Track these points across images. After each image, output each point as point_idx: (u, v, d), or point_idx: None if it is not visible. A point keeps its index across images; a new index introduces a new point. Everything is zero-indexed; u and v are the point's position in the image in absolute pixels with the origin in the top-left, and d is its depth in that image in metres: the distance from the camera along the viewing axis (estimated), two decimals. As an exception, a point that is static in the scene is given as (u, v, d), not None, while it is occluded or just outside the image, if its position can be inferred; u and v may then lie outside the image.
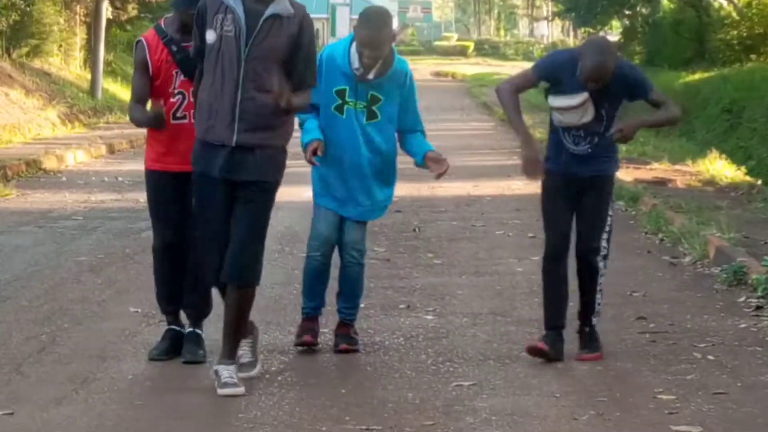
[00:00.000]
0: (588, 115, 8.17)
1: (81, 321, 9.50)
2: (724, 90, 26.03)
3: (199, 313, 8.37)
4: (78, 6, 38.15)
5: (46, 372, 8.05)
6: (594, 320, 8.51)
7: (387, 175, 8.26)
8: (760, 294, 10.15)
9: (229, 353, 7.56)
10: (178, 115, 8.08)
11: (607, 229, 8.45)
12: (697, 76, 29.84)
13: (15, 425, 6.89)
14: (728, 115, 24.74)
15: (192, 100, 7.92)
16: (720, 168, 19.38)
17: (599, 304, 8.52)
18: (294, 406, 7.28)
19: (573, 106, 8.20)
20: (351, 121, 7.99)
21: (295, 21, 7.40)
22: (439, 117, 29.53)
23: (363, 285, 8.61)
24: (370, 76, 7.91)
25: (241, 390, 7.40)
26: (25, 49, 33.58)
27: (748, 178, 18.93)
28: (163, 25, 8.19)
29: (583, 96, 8.15)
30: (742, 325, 9.36)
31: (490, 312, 9.90)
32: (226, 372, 7.45)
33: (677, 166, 19.46)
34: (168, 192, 8.19)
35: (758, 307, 9.87)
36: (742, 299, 10.23)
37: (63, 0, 36.20)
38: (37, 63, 34.20)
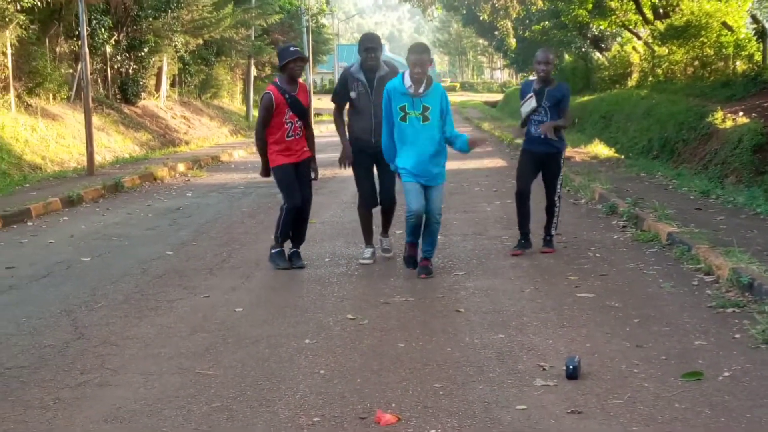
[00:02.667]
0: (532, 104, 8.28)
1: (244, 244, 9.52)
2: (601, 106, 25.85)
3: (300, 242, 8.38)
4: (237, 69, 38.28)
5: (226, 273, 8.09)
6: (553, 232, 8.59)
7: (441, 156, 7.60)
8: (624, 219, 10.07)
9: (384, 232, 8.55)
10: (290, 134, 8.04)
11: (559, 183, 8.51)
12: (586, 98, 29.53)
13: (210, 303, 6.93)
14: (604, 119, 24.53)
15: (297, 125, 8.04)
16: (600, 149, 19.22)
17: (556, 225, 8.64)
18: (365, 287, 7.28)
19: (524, 101, 8.38)
20: (412, 126, 7.41)
21: (388, 77, 7.91)
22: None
23: (437, 234, 7.75)
24: (420, 90, 7.35)
25: (391, 254, 8.44)
26: (209, 94, 33.74)
27: (615, 154, 18.76)
28: (278, 81, 8.10)
29: (529, 95, 8.34)
30: (615, 237, 9.28)
31: (473, 233, 9.84)
32: (386, 241, 8.51)
33: (576, 149, 19.27)
34: (290, 174, 8.11)
35: (623, 226, 9.78)
36: (614, 222, 10.14)
37: (229, 65, 36.34)
38: (215, 102, 34.33)
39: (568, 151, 18.21)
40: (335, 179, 15.76)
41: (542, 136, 8.27)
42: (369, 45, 7.92)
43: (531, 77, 8.86)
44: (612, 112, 24.25)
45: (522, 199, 8.49)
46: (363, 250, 8.44)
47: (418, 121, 7.42)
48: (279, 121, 8.02)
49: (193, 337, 5.94)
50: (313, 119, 33.79)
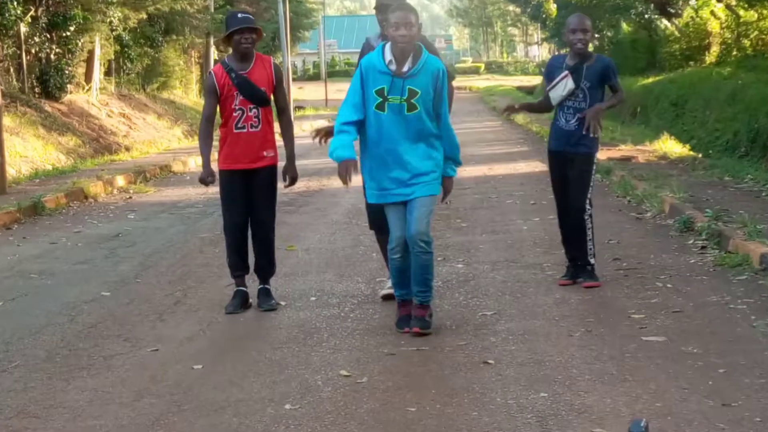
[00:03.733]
0: (569, 86, 8.26)
1: (204, 280, 9.53)
2: (670, 89, 25.88)
3: (266, 274, 8.38)
4: (193, 51, 38.37)
5: (181, 318, 8.09)
6: (591, 260, 8.51)
7: (430, 154, 7.07)
8: (704, 237, 10.07)
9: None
10: (239, 125, 8.02)
11: (589, 196, 8.42)
12: (650, 80, 29.59)
13: (159, 358, 6.93)
14: (674, 107, 24.58)
15: (251, 114, 8.00)
16: (670, 146, 19.27)
17: (591, 249, 8.51)
18: (363, 336, 7.28)
19: (557, 81, 8.32)
20: (392, 117, 6.92)
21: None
22: (460, 119, 29.39)
23: (433, 270, 7.27)
24: (404, 68, 6.89)
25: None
26: (155, 85, 33.85)
27: (691, 152, 18.79)
28: (227, 60, 8.16)
29: (564, 73, 8.30)
30: (692, 261, 9.29)
31: (505, 260, 9.85)
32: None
33: (638, 147, 19.33)
34: (231, 184, 8.12)
35: (703, 247, 9.79)
36: (690, 242, 10.15)
37: (182, 47, 36.38)
38: (165, 94, 34.44)
39: (628, 150, 18.35)
40: (322, 192, 15.80)
41: (584, 131, 8.23)
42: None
43: (563, 52, 8.87)
44: (685, 97, 24.30)
45: (562, 218, 8.61)
46: (387, 280, 8.35)
47: (400, 111, 6.96)
48: (228, 108, 8.04)
49: (137, 404, 5.93)
50: (293, 113, 33.88)
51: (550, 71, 8.54)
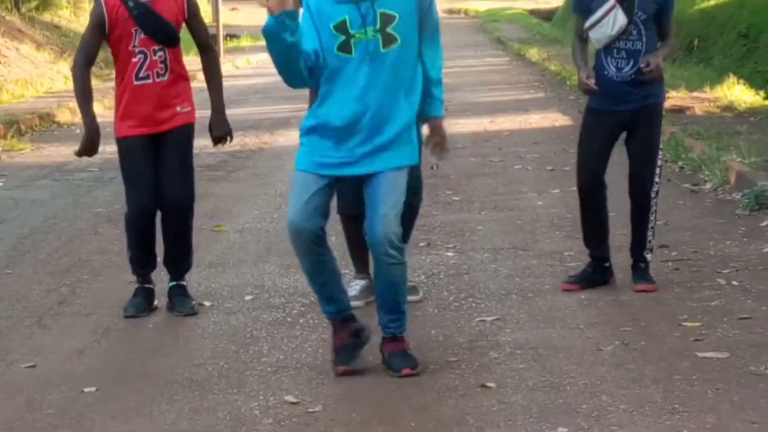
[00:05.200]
0: (619, 21, 8.13)
1: (100, 272, 9.54)
2: (740, 15, 25.92)
3: (180, 268, 8.40)
4: (86, -42, 38.17)
5: (67, 324, 8.09)
6: (648, 256, 8.49)
7: (407, 104, 6.74)
8: (783, 218, 10.16)
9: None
10: (141, 75, 7.99)
11: (659, 164, 8.43)
12: (712, 2, 29.67)
13: (38, 378, 6.93)
14: (745, 39, 24.63)
15: (156, 58, 7.96)
16: (738, 93, 19.29)
17: (651, 240, 8.49)
18: (317, 348, 7.29)
19: (602, 15, 8.18)
20: (362, 57, 6.59)
21: None
22: (454, 54, 29.36)
23: (403, 285, 6.90)
24: None
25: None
26: (34, 3, 33.61)
27: (767, 102, 18.85)
28: None
29: (609, 3, 8.16)
30: (766, 250, 9.35)
31: (511, 246, 9.90)
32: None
33: (695, 94, 19.37)
34: (137, 155, 8.14)
35: (781, 231, 9.88)
36: (764, 224, 10.23)
37: (71, -48, 36.22)
38: (46, 16, 34.22)
39: (681, 97, 18.42)
40: (263, 153, 15.77)
41: (645, 79, 8.21)
42: None
43: None
44: (760, 26, 24.34)
45: (591, 196, 8.45)
46: (350, 283, 8.36)
47: (374, 47, 6.65)
48: (123, 52, 8.01)
49: (7, 441, 5.95)
50: (222, 44, 33.78)
51: (586, 2, 8.41)
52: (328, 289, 6.87)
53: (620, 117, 8.32)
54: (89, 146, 8.14)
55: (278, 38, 6.38)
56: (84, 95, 8.17)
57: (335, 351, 6.85)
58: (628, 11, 8.15)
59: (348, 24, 6.58)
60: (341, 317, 6.88)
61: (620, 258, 8.66)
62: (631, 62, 8.20)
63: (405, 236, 7.13)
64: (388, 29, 6.61)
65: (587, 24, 8.29)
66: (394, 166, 6.69)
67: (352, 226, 8.05)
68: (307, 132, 6.79)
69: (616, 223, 8.74)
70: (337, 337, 6.87)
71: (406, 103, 6.77)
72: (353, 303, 7.73)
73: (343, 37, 6.60)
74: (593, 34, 8.30)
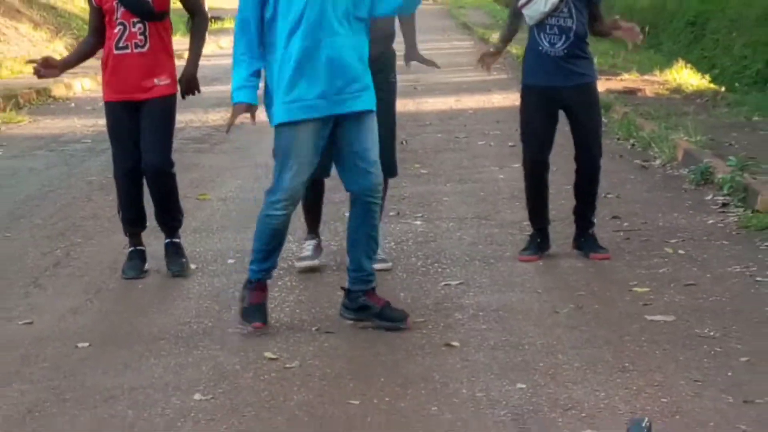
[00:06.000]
0: None
1: (93, 236, 9.51)
2: (688, 4, 25.96)
3: (171, 227, 8.37)
4: (81, -59, 37.97)
5: (62, 284, 8.07)
6: (594, 221, 8.53)
7: (363, 40, 6.70)
8: (725, 192, 10.14)
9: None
10: (120, 45, 7.95)
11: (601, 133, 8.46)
12: (662, -9, 29.71)
13: (34, 334, 6.93)
14: (692, 27, 24.68)
15: (135, 30, 7.91)
16: (686, 77, 19.34)
17: (596, 208, 8.56)
18: (294, 308, 7.29)
19: None
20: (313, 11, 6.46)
21: None
22: (424, 38, 28.96)
23: (378, 227, 7.01)
24: None
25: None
26: (31, -16, 33.40)
27: (712, 85, 18.88)
28: None
29: None
30: (710, 221, 9.37)
31: (475, 216, 9.90)
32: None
33: (646, 77, 19.39)
34: (119, 120, 8.14)
35: (724, 204, 9.88)
36: (709, 197, 10.24)
37: (66, -66, 35.99)
38: (42, -2, 34.03)
39: (633, 80, 18.42)
40: (245, 127, 15.66)
41: (576, 53, 8.19)
42: None
43: None
44: (706, 14, 24.39)
45: (536, 171, 8.44)
46: (303, 243, 8.40)
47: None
48: (108, 22, 7.99)
49: (5, 392, 5.92)
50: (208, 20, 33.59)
51: None
52: (276, 247, 6.94)
53: (553, 93, 8.26)
54: (40, 64, 8.23)
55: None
56: (77, 48, 8.33)
57: (252, 306, 6.83)
58: None
59: None
60: (268, 277, 6.95)
61: (559, 227, 8.74)
62: (563, 38, 8.15)
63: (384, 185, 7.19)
64: None
65: (522, 1, 8.26)
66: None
67: (313, 193, 7.99)
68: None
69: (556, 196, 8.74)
70: (256, 296, 6.87)
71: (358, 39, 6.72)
72: (308, 262, 7.92)
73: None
74: (527, 11, 8.23)
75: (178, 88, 8.19)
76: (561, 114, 8.37)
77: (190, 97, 8.28)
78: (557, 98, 8.27)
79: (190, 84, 8.19)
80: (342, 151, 6.75)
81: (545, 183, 8.44)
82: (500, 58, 9.14)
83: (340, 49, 6.58)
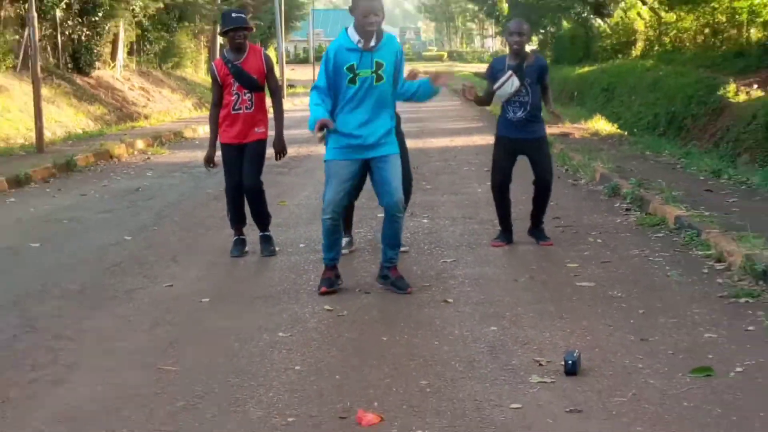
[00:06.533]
0: (515, 84, 8.09)
1: (210, 228, 9.51)
2: (602, 78, 25.91)
3: (263, 225, 8.34)
4: (202, 36, 38.08)
5: (190, 261, 8.08)
6: (544, 220, 8.51)
7: (390, 119, 6.72)
8: (628, 201, 10.12)
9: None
10: (236, 107, 7.97)
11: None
12: (586, 69, 29.54)
13: (173, 293, 6.95)
14: (605, 92, 24.61)
15: (245, 97, 7.94)
16: (601, 125, 19.28)
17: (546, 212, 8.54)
18: (344, 276, 7.13)
19: (504, 80, 8.13)
20: (362, 87, 6.55)
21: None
22: (425, 102, 29.22)
23: (401, 233, 6.93)
24: (372, 43, 6.52)
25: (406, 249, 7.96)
26: (170, 64, 33.54)
27: (618, 130, 18.82)
28: (225, 52, 8.09)
29: (508, 73, 8.12)
30: (618, 220, 9.33)
31: (462, 216, 9.87)
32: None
33: (575, 125, 19.30)
34: (229, 153, 8.09)
35: (627, 209, 9.84)
36: (617, 204, 10.20)
37: (193, 32, 36.12)
38: (178, 72, 34.13)
39: (567, 127, 18.36)
40: (311, 157, 15.74)
41: (531, 118, 8.16)
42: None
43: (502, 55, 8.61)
44: (614, 84, 24.34)
45: (502, 191, 8.42)
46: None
47: (370, 81, 6.58)
48: (226, 93, 8.00)
49: (154, 331, 5.94)
50: (285, 92, 33.70)
51: (493, 72, 8.29)
52: (337, 241, 6.89)
53: (515, 143, 8.24)
54: (208, 160, 8.17)
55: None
56: (213, 126, 8.16)
57: (323, 280, 6.87)
58: (521, 78, 8.10)
59: (356, 66, 6.56)
60: (335, 263, 6.92)
61: (520, 224, 8.65)
62: (523, 109, 8.14)
63: (405, 202, 7.09)
64: (379, 71, 6.61)
65: (495, 86, 8.22)
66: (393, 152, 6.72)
67: (345, 211, 7.80)
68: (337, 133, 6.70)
69: (516, 203, 8.71)
70: (326, 273, 6.89)
71: (387, 115, 6.74)
72: (343, 251, 7.79)
73: (351, 75, 6.58)
74: (499, 92, 8.20)
75: (269, 137, 8.17)
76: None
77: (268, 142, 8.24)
78: (519, 147, 8.27)
79: (279, 147, 8.15)
80: (376, 180, 6.74)
81: (507, 198, 8.42)
82: (478, 114, 9.07)
83: (376, 119, 6.67)
